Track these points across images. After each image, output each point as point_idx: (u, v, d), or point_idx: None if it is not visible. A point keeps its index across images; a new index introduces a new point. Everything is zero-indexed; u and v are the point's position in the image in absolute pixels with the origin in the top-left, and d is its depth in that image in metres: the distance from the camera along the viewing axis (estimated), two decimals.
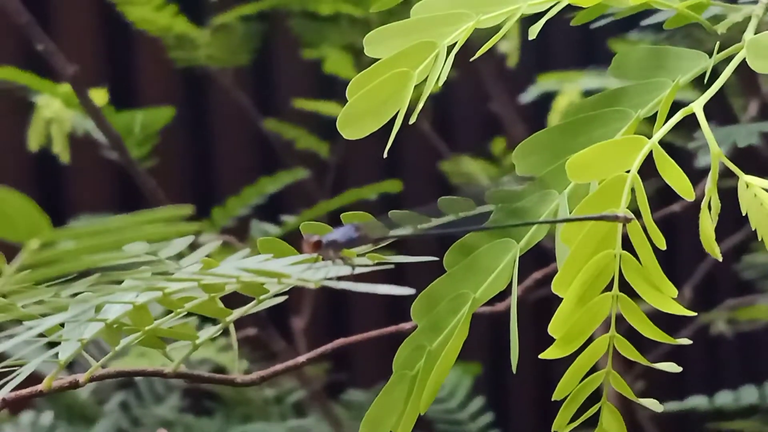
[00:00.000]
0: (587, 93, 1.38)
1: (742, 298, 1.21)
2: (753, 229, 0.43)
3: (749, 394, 1.00)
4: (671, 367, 0.44)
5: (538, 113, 1.37)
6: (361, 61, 1.29)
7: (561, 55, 1.72)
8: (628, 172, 0.43)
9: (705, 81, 0.47)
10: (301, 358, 0.58)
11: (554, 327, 0.43)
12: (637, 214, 0.43)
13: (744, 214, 0.44)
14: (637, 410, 1.18)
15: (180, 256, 0.54)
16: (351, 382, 1.42)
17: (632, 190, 0.43)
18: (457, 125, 1.76)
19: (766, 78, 0.98)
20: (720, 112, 1.06)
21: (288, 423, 1.17)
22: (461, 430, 1.24)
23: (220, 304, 0.49)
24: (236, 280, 0.39)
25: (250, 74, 1.52)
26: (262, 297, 0.50)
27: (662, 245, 0.42)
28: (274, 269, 0.37)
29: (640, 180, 0.42)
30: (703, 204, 0.43)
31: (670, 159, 0.42)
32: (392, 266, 0.43)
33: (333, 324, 1.67)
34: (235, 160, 1.69)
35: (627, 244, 0.43)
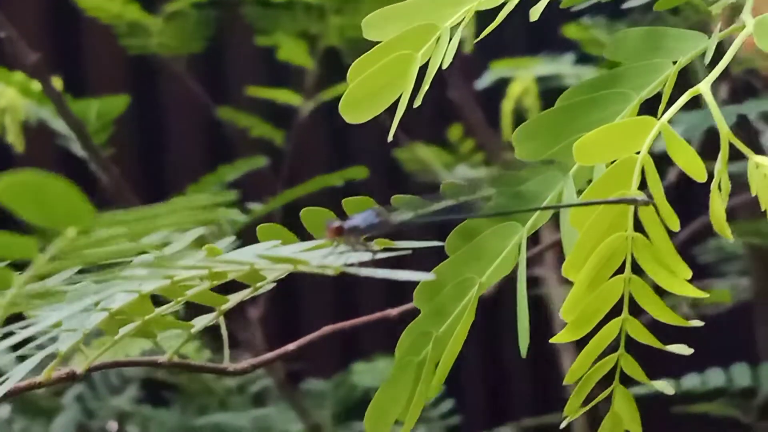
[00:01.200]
0: (540, 79, 1.38)
1: (702, 281, 1.22)
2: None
3: (716, 377, 1.00)
4: (682, 349, 0.44)
5: (492, 99, 1.37)
6: (316, 49, 1.28)
7: (514, 41, 1.71)
8: (637, 153, 0.42)
9: (706, 61, 0.47)
10: (291, 346, 0.57)
11: (566, 310, 0.42)
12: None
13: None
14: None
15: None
16: (308, 372, 1.41)
17: None
18: (412, 111, 1.75)
19: (735, 61, 0.98)
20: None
21: (252, 413, 1.16)
22: (422, 416, 1.24)
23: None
24: (250, 267, 0.38)
25: (203, 62, 1.51)
26: (257, 284, 0.49)
27: (676, 227, 0.42)
28: (294, 256, 0.36)
29: (651, 161, 0.42)
30: (713, 185, 0.43)
31: (682, 140, 0.42)
32: (410, 251, 0.42)
33: (287, 313, 1.66)
34: (189, 149, 1.67)
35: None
